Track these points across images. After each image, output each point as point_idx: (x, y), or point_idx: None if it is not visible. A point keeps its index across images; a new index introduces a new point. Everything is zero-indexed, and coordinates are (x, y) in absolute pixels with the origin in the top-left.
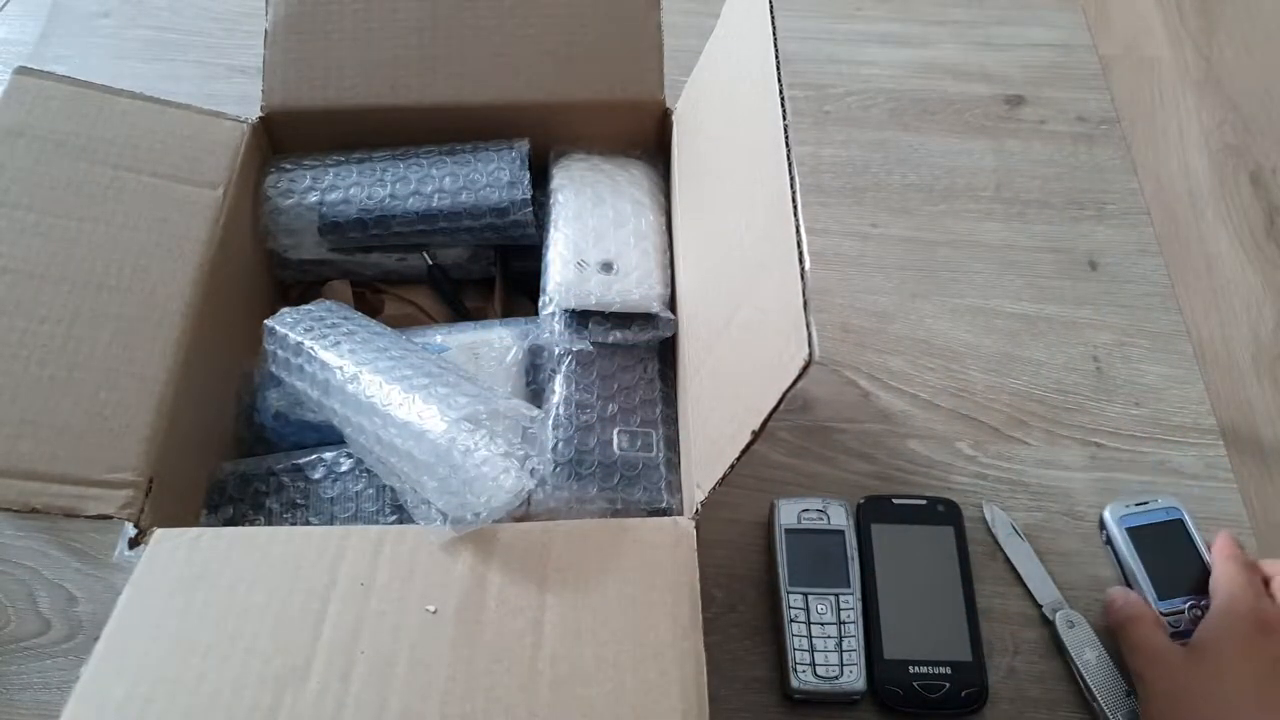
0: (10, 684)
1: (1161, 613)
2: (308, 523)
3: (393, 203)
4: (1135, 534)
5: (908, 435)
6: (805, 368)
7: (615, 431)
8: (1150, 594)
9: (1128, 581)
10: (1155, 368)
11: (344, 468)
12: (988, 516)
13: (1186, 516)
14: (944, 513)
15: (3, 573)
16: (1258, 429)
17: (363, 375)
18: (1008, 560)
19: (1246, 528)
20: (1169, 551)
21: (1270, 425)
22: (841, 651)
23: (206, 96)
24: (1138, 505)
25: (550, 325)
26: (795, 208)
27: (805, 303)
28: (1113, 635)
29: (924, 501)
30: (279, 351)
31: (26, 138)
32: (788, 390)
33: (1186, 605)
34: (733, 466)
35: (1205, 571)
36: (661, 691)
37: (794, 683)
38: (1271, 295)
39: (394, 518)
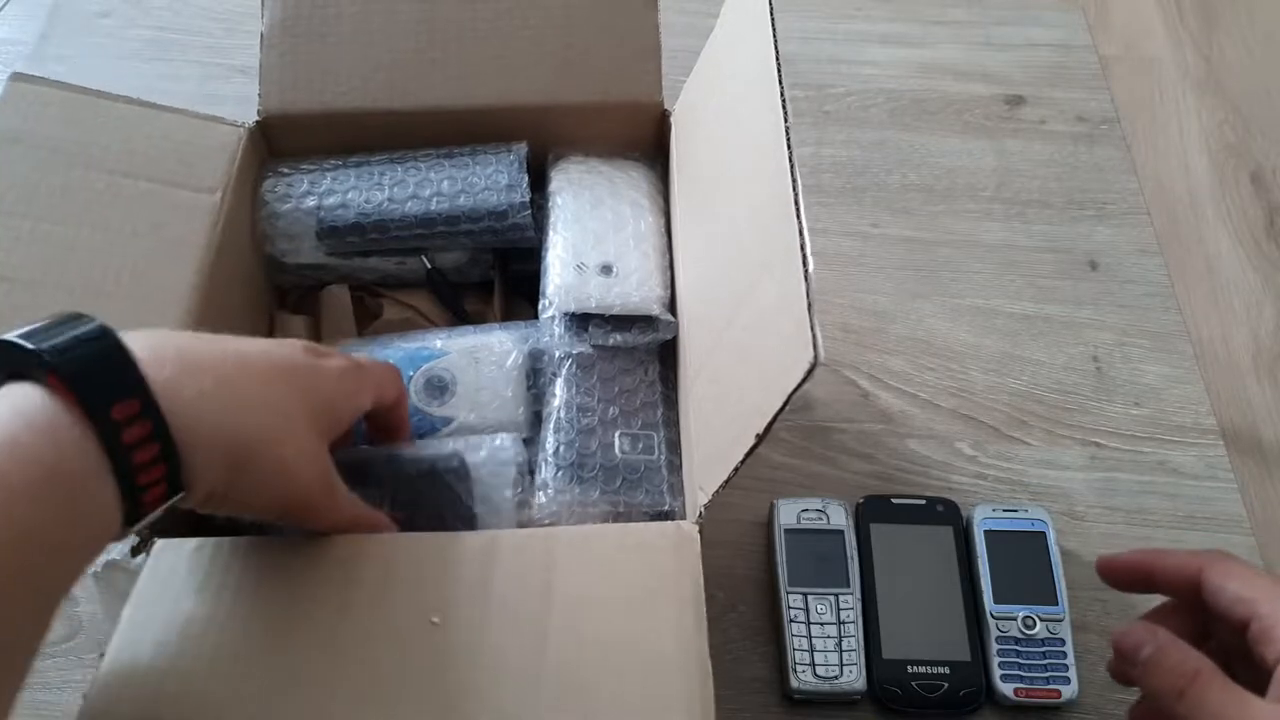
0: None
1: (994, 616)
2: None
3: (391, 206)
4: (992, 537)
5: (908, 435)
6: (810, 370)
7: (617, 435)
8: (988, 596)
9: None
10: (1155, 368)
11: None
12: None
13: (1051, 533)
14: (944, 513)
15: None
16: (1258, 429)
17: None
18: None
19: (1246, 528)
20: (1022, 560)
21: (1270, 425)
22: (841, 651)
23: (207, 96)
24: (1006, 512)
25: (550, 328)
26: (797, 209)
27: (809, 304)
28: (1158, 704)
29: (924, 501)
30: None
31: (22, 144)
32: (793, 393)
33: (1020, 614)
34: (737, 469)
35: (1051, 583)
36: (667, 698)
37: (793, 683)
38: (1271, 295)
39: None
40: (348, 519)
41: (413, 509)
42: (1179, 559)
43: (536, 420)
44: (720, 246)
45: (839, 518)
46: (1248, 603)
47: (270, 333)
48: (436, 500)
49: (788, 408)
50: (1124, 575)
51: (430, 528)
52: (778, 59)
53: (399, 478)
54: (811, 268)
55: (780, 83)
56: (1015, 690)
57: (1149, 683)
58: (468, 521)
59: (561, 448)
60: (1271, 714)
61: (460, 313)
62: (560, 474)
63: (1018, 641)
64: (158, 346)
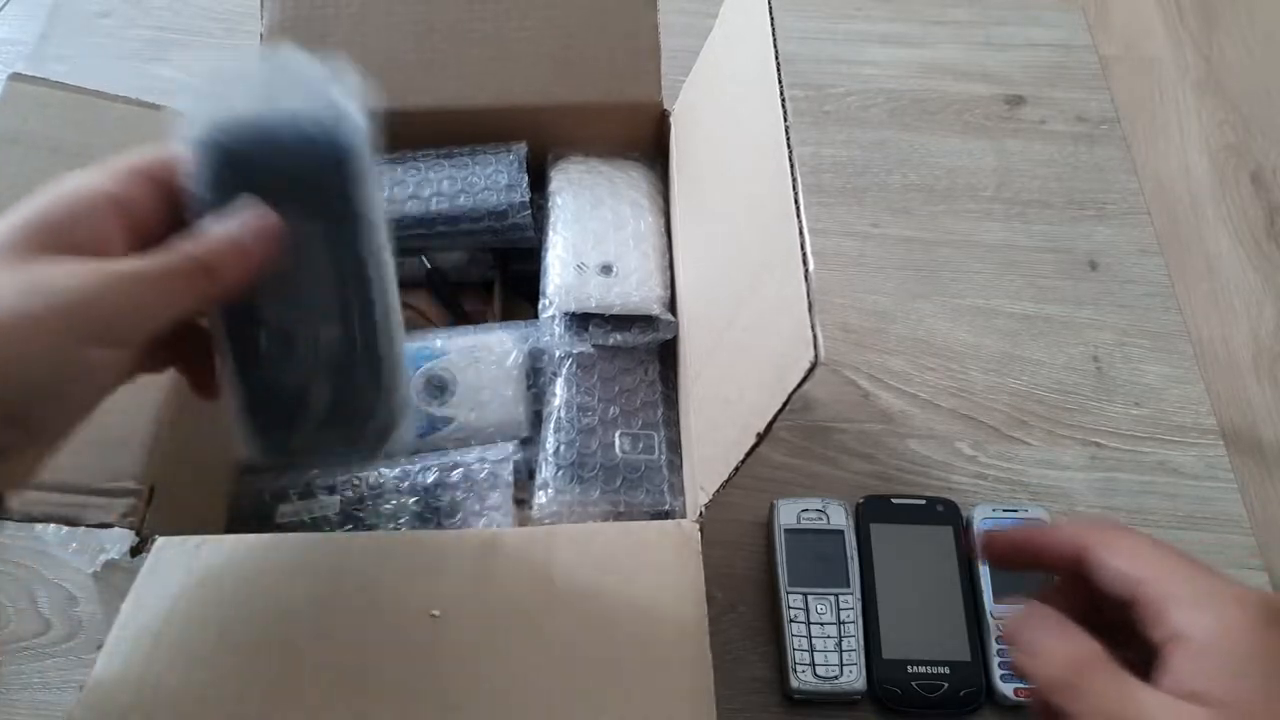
0: (10, 684)
1: (994, 615)
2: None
3: (390, 207)
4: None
5: (908, 435)
6: (811, 370)
7: (617, 434)
8: (988, 596)
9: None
10: (1155, 368)
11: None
12: None
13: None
14: (944, 513)
15: (2, 573)
16: (1258, 429)
17: None
18: None
19: (1246, 528)
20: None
21: (1270, 425)
22: (841, 651)
23: None
24: (1005, 511)
25: (550, 328)
26: (798, 209)
27: (810, 304)
28: (1046, 699)
29: (924, 501)
30: None
31: (22, 145)
32: (793, 392)
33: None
34: (737, 469)
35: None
36: (668, 697)
37: (794, 683)
38: (1271, 295)
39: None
40: (166, 281)
41: (286, 198)
42: (1061, 535)
43: (536, 420)
44: (720, 246)
45: (839, 518)
46: (1133, 580)
47: None
48: (299, 175)
49: (788, 408)
50: (1006, 554)
51: (306, 205)
52: (777, 59)
53: (251, 176)
54: (811, 268)
55: (780, 83)
56: (1015, 690)
57: (1032, 672)
58: (355, 184)
59: (562, 447)
60: (1158, 705)
61: (459, 312)
62: (561, 473)
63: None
64: None
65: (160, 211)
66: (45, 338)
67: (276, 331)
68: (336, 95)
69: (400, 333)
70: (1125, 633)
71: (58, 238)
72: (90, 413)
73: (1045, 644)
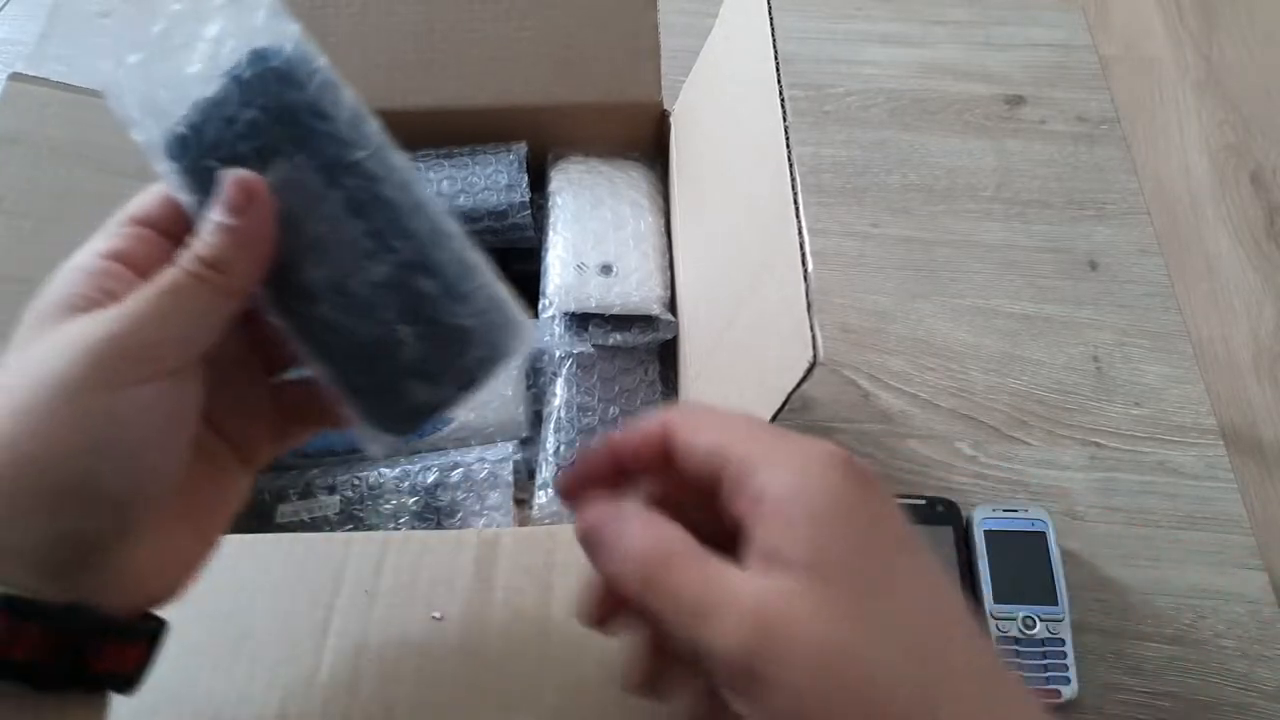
0: None
1: (994, 616)
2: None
3: None
4: (992, 537)
5: (908, 435)
6: (810, 370)
7: None
8: (988, 596)
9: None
10: (1155, 368)
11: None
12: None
13: (1051, 533)
14: (944, 513)
15: None
16: (1258, 429)
17: None
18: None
19: (1246, 528)
20: (1022, 560)
21: (1270, 425)
22: None
23: None
24: (1005, 512)
25: (550, 328)
26: (797, 209)
27: (809, 304)
28: (626, 593)
29: (923, 501)
30: None
31: (22, 145)
32: (792, 392)
33: (1020, 614)
34: None
35: (1051, 583)
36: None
37: None
38: (1271, 295)
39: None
40: (176, 290)
41: (261, 149)
42: (639, 432)
43: (537, 420)
44: (720, 246)
45: None
46: (714, 452)
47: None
48: (259, 123)
49: (787, 407)
50: (589, 480)
51: (282, 144)
52: (777, 59)
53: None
54: (811, 268)
55: (780, 83)
56: None
57: (609, 575)
58: (309, 93)
59: (562, 447)
60: (741, 581)
61: None
62: (560, 473)
63: (1018, 641)
64: None
65: (161, 248)
66: (85, 394)
67: (329, 293)
68: (246, 21)
69: (451, 224)
70: (717, 516)
71: (71, 307)
72: (171, 473)
73: (622, 540)
